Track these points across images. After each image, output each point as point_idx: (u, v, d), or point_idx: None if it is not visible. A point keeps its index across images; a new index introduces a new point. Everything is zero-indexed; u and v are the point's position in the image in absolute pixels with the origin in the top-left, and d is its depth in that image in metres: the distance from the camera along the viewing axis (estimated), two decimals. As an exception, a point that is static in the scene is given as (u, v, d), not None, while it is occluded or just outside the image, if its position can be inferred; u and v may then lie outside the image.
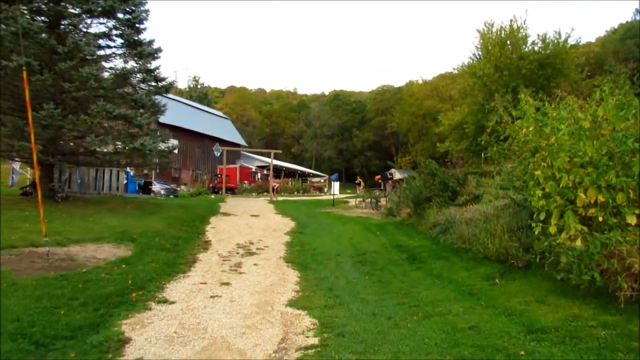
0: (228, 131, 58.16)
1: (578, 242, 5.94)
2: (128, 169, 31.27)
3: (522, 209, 9.96)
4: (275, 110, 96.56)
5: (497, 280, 8.03)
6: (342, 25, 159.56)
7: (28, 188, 18.69)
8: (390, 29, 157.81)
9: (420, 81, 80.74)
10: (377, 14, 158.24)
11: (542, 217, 6.54)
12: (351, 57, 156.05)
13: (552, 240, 6.57)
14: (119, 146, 16.99)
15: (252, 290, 8.10)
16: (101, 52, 16.94)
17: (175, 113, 50.23)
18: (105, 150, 16.83)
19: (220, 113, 66.85)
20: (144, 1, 17.87)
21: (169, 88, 18.63)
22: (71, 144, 17.10)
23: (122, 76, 16.54)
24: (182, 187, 45.12)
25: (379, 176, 47.28)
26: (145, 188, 31.72)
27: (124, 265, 9.17)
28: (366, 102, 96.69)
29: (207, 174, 49.49)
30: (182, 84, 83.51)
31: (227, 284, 8.53)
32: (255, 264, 10.37)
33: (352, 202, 28.80)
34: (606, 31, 68.03)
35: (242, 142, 59.39)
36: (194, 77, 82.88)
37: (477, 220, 11.86)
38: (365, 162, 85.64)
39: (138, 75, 17.37)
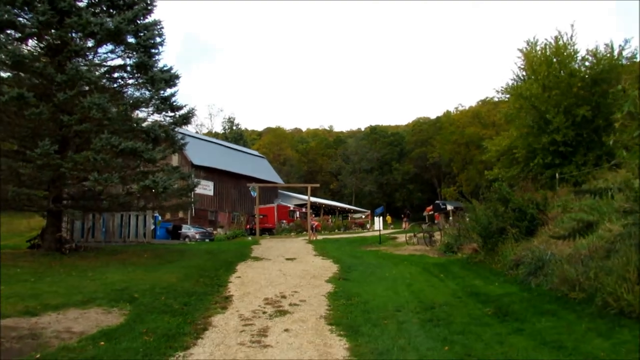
0: (264, 170, 56.36)
1: None
2: (156, 214, 29.38)
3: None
4: (312, 147, 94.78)
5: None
6: (373, 60, 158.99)
7: (36, 240, 16.60)
8: (422, 61, 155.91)
9: (459, 109, 77.86)
10: (405, 48, 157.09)
11: None
12: (385, 91, 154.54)
13: None
14: (134, 187, 14.72)
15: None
16: (107, 80, 14.88)
17: (210, 154, 48.88)
18: (114, 191, 14.57)
19: (256, 152, 65.42)
20: (157, 25, 16.00)
21: (188, 118, 16.39)
22: (79, 186, 14.91)
23: (132, 105, 14.42)
24: (219, 230, 43.12)
25: (430, 207, 43.91)
26: (175, 233, 29.55)
27: (103, 342, 6.55)
28: (404, 134, 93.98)
29: (244, 215, 47.43)
30: (218, 127, 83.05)
31: (243, 368, 5.77)
32: (286, 330, 7.56)
33: (401, 237, 25.68)
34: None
35: (279, 180, 57.38)
36: (229, 119, 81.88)
37: (584, 257, 8.77)
38: (407, 196, 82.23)
39: (150, 105, 15.19)
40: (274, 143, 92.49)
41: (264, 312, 8.72)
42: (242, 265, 14.86)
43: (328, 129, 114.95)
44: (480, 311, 8.42)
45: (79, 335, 6.98)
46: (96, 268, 12.68)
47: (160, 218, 30.18)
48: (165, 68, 15.66)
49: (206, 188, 47.02)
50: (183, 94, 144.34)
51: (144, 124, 14.63)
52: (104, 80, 15.41)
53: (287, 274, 13.22)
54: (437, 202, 42.66)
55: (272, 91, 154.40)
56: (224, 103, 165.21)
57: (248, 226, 41.72)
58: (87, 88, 13.96)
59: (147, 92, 15.16)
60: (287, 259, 16.81)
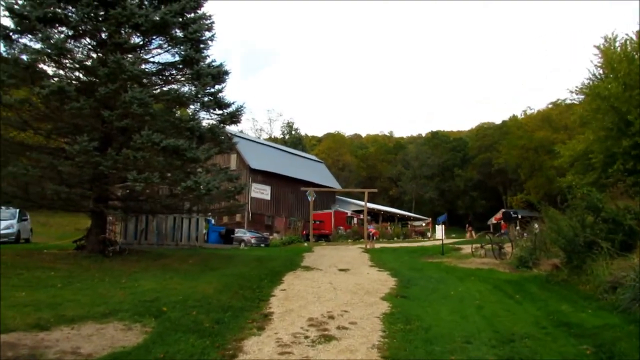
0: (322, 175, 55.34)
1: None
2: (210, 217, 28.86)
3: None
4: (371, 153, 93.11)
5: None
6: (436, 64, 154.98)
7: (82, 241, 16.11)
8: (487, 64, 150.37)
9: (527, 112, 73.65)
10: (469, 51, 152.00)
11: None
12: (447, 96, 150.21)
13: None
14: (178, 188, 13.84)
15: None
16: (153, 75, 14.13)
17: (268, 159, 48.41)
18: (161, 192, 13.77)
19: (314, 157, 64.62)
20: (206, 19, 15.17)
21: (237, 116, 15.36)
22: (122, 186, 14.22)
23: (175, 101, 13.56)
24: (275, 235, 42.52)
25: (499, 215, 41.33)
26: (227, 237, 28.85)
27: (108, 370, 5.46)
28: (467, 140, 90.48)
29: (301, 220, 46.57)
30: (277, 132, 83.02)
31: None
32: (330, 363, 6.19)
33: (466, 248, 23.64)
34: None
35: (337, 186, 56.11)
36: (288, 123, 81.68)
37: None
38: (470, 203, 78.92)
39: (197, 102, 14.29)
40: (332, 148, 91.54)
41: (306, 337, 7.35)
42: (290, 276, 13.59)
43: (388, 134, 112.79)
44: (574, 349, 6.67)
45: (86, 357, 5.93)
46: (133, 274, 11.82)
47: (213, 221, 29.65)
48: (213, 63, 14.78)
49: (263, 192, 46.59)
50: (242, 99, 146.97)
51: (190, 123, 13.64)
52: (151, 77, 14.69)
53: (338, 287, 11.80)
54: (505, 210, 40.00)
55: (333, 97, 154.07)
56: (284, 108, 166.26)
57: (304, 232, 40.74)
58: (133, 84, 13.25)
59: (193, 88, 14.30)
60: (340, 270, 15.40)
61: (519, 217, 31.84)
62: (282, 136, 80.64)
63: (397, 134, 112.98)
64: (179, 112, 14.88)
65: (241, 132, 60.51)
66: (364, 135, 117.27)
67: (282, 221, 47.26)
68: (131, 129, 12.58)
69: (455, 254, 21.97)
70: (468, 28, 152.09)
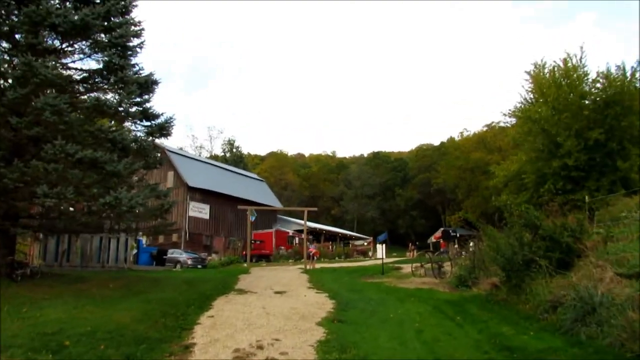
0: (264, 194, 54.24)
1: None
2: (140, 237, 27.23)
3: None
4: (314, 172, 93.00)
5: None
6: (376, 86, 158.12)
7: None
8: (425, 88, 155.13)
9: (464, 134, 76.13)
10: (408, 76, 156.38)
11: None
12: (388, 118, 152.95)
13: None
14: (97, 204, 12.54)
15: None
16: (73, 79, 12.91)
17: (207, 177, 46.84)
18: (66, 208, 12.45)
19: (255, 176, 63.43)
20: (134, 25, 14.19)
21: (166, 128, 14.32)
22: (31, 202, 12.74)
23: (95, 108, 12.39)
24: (213, 255, 40.98)
25: (439, 234, 41.76)
26: (159, 258, 27.25)
27: None
28: (407, 160, 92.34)
29: (240, 240, 45.18)
30: (218, 150, 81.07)
31: None
32: (252, 404, 5.38)
33: (406, 268, 23.37)
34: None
35: (278, 204, 55.14)
36: (229, 141, 79.69)
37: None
38: (410, 222, 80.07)
39: (120, 110, 13.14)
40: (275, 167, 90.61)
41: (229, 373, 6.52)
42: (221, 300, 12.59)
43: (331, 154, 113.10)
44: (520, 377, 6.21)
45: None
46: (39, 301, 10.49)
47: (144, 241, 27.98)
48: (141, 71, 13.77)
49: (202, 211, 44.95)
50: (183, 115, 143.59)
51: (113, 134, 12.49)
52: (71, 83, 13.45)
53: (271, 312, 10.95)
54: (445, 228, 40.51)
55: (276, 116, 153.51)
56: (226, 126, 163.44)
57: (244, 252, 39.46)
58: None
59: (116, 97, 13.20)
60: (276, 293, 14.54)
61: (458, 235, 32.14)
62: (223, 154, 78.75)
63: (339, 154, 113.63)
64: (101, 123, 13.63)
65: (181, 149, 58.65)
66: (307, 154, 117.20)
67: (222, 241, 45.76)
68: (43, 139, 11.31)
69: (396, 274, 21.62)
70: (409, 53, 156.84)
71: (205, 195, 44.70)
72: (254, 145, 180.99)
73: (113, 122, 13.96)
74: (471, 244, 29.03)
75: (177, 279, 17.32)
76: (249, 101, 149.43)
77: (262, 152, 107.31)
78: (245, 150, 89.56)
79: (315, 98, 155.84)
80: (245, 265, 29.45)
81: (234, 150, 79.04)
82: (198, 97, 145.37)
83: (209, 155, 75.34)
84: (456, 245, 31.29)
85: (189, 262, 30.15)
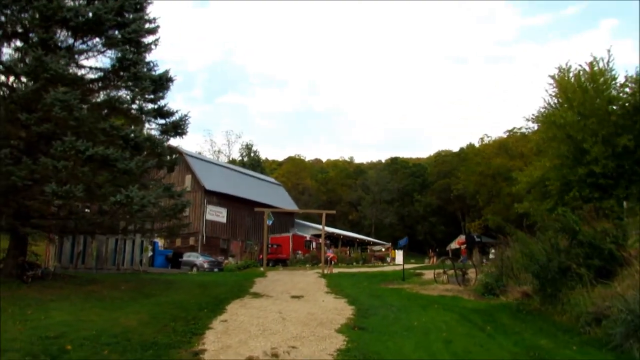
0: (281, 199, 53.77)
1: None
2: (156, 240, 26.93)
3: None
4: (332, 177, 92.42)
5: None
6: (395, 93, 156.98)
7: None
8: (444, 94, 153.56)
9: (485, 140, 74.98)
10: (428, 81, 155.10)
11: None
12: (407, 124, 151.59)
13: None
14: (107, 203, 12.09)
15: None
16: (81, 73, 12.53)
17: (225, 180, 46.58)
18: (76, 207, 12.02)
19: (273, 180, 63.08)
20: (149, 22, 13.82)
21: (181, 126, 13.87)
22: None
23: (107, 105, 11.98)
24: (230, 259, 40.64)
25: (462, 239, 40.92)
26: (175, 261, 26.89)
27: None
28: (426, 166, 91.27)
29: (257, 244, 44.74)
30: (235, 154, 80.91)
31: None
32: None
33: (427, 274, 22.57)
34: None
35: (296, 209, 54.58)
36: (247, 145, 79.49)
37: None
38: (429, 229, 78.88)
39: (133, 107, 12.72)
40: (293, 172, 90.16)
41: (240, 385, 5.93)
42: (236, 304, 12.03)
43: (348, 160, 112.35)
44: (567, 396, 5.51)
45: None
46: (46, 303, 10.04)
47: (160, 244, 27.65)
48: (154, 67, 13.37)
49: (219, 215, 44.68)
50: (204, 122, 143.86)
51: (125, 131, 12.07)
52: (85, 81, 13.09)
53: (287, 318, 10.35)
54: (470, 234, 39.74)
55: (294, 122, 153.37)
56: (243, 130, 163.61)
57: (261, 256, 39.00)
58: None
59: (129, 93, 12.79)
60: (293, 297, 13.93)
61: (482, 241, 31.27)
62: (240, 158, 78.61)
63: (357, 160, 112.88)
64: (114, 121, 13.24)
65: (199, 153, 58.64)
66: (324, 160, 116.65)
67: (238, 245, 45.39)
68: (53, 136, 10.92)
69: (417, 280, 20.84)
70: (427, 58, 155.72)
71: (222, 199, 44.44)
72: (271, 151, 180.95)
73: (126, 120, 13.52)
74: (492, 251, 28.16)
75: (191, 282, 16.83)
76: (267, 105, 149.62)
77: (280, 158, 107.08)
78: (263, 156, 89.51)
79: (332, 103, 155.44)
80: (262, 269, 28.94)
81: (252, 154, 78.86)
82: (218, 104, 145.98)
83: (227, 160, 75.28)
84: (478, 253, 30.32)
85: (206, 265, 29.93)
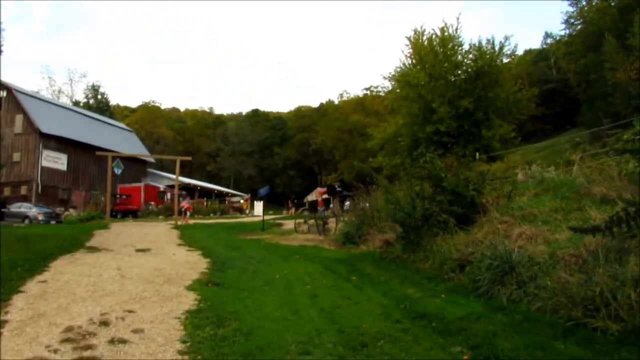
0: (133, 146, 49.42)
1: None
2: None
3: None
4: (189, 127, 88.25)
5: None
6: (257, 45, 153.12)
7: None
8: (306, 49, 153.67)
9: (344, 97, 76.94)
10: (289, 35, 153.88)
11: None
12: (268, 78, 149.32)
13: None
14: None
15: None
16: None
17: (65, 123, 41.19)
18: None
19: (123, 125, 57.80)
20: None
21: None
22: None
23: None
24: (71, 210, 36.59)
25: (323, 189, 41.29)
26: (-1, 212, 23.20)
27: None
28: (286, 119, 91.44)
29: (104, 194, 40.71)
30: (79, 95, 72.20)
31: None
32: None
33: (287, 224, 22.03)
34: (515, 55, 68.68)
35: (149, 158, 50.64)
36: (93, 86, 70.97)
37: (586, 259, 5.71)
38: (287, 181, 79.82)
39: None
40: (147, 120, 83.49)
41: (49, 365, 4.41)
42: (63, 261, 10.01)
43: (208, 110, 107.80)
44: (446, 354, 4.90)
45: None
46: None
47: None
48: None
49: (57, 161, 39.59)
50: (46, 59, 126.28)
51: None
52: None
53: (127, 275, 8.72)
54: (330, 184, 40.24)
55: (149, 66, 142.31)
56: (90, 70, 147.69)
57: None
58: None
59: None
60: (138, 251, 12.18)
61: (342, 192, 31.79)
62: (85, 100, 70.41)
63: (217, 111, 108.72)
64: None
65: (37, 92, 51.20)
66: (182, 109, 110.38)
67: (81, 195, 41.00)
68: None
69: (277, 230, 20.18)
70: (292, 16, 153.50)
71: (62, 143, 39.34)
72: (123, 97, 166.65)
73: None
74: (347, 202, 28.78)
75: (12, 235, 14.06)
76: (121, 48, 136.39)
77: (133, 104, 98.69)
78: (114, 101, 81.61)
79: (192, 51, 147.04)
80: (106, 221, 26.11)
81: (99, 97, 71.13)
82: (61, 42, 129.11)
83: (69, 102, 66.96)
84: (331, 205, 30.81)
85: (40, 217, 26.81)
